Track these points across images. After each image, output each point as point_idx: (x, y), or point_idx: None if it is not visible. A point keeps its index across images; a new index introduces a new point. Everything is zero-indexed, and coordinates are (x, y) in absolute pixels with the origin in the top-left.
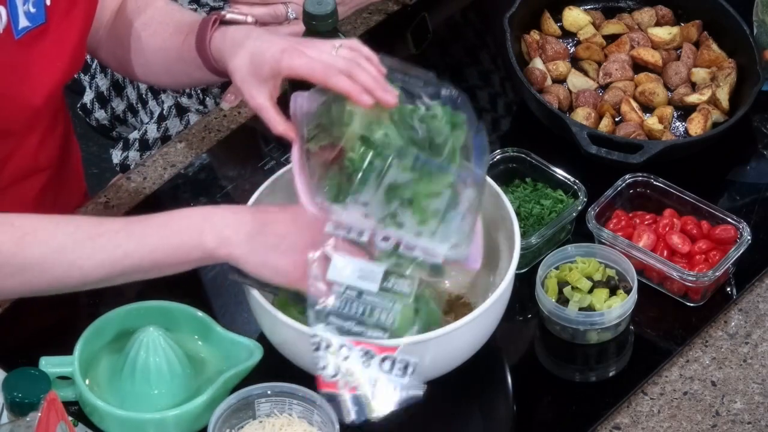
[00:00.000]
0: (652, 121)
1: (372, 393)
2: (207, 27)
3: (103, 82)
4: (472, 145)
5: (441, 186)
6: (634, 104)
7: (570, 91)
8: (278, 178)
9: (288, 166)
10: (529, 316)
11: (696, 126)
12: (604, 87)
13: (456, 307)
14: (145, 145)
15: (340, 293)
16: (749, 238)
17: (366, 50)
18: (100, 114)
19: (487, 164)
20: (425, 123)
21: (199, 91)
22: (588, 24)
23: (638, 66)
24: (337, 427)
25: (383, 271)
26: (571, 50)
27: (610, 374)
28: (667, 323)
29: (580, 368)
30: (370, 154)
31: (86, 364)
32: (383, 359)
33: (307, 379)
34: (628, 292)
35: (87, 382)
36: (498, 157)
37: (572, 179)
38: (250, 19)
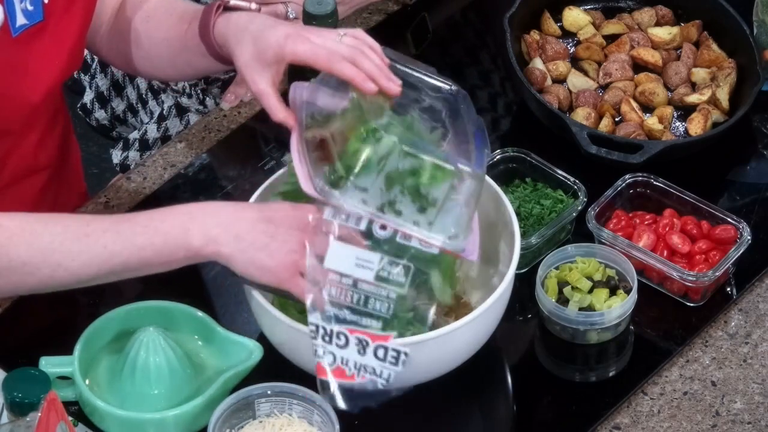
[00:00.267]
0: (652, 121)
1: (365, 382)
2: (211, 13)
3: (103, 82)
4: (473, 140)
5: (441, 175)
6: (634, 104)
7: (570, 91)
8: (278, 178)
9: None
10: (529, 316)
11: (696, 126)
12: (604, 87)
13: (456, 307)
14: (145, 145)
15: (336, 281)
16: (749, 238)
17: (370, 40)
18: (100, 114)
19: (487, 158)
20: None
21: (199, 91)
22: (588, 24)
23: (638, 66)
24: (337, 427)
25: (379, 260)
26: (571, 50)
27: (610, 374)
28: (667, 323)
29: (580, 368)
30: (372, 139)
31: (86, 364)
32: (377, 348)
33: (307, 379)
34: (628, 292)
35: (87, 382)
36: (498, 157)
37: (572, 179)
38: (254, 5)
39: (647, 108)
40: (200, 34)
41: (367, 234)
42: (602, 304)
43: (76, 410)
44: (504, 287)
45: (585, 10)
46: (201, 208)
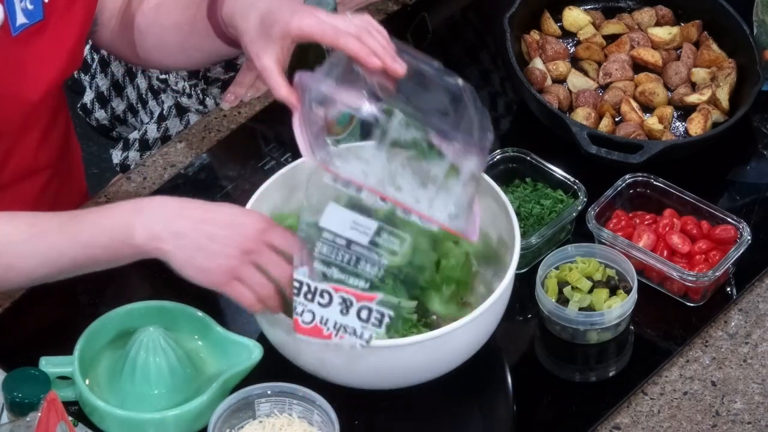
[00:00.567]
0: (652, 121)
1: (343, 342)
2: None
3: (103, 82)
4: (476, 122)
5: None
6: (634, 104)
7: (570, 91)
8: (278, 178)
9: (288, 166)
10: (529, 316)
11: (696, 126)
12: (604, 87)
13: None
14: (145, 145)
15: (330, 240)
16: (749, 238)
17: (377, 24)
18: (100, 114)
19: (490, 142)
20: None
21: (199, 91)
22: (588, 24)
23: (638, 66)
24: (337, 427)
25: (376, 227)
26: (571, 50)
27: (610, 374)
28: (667, 323)
29: (580, 368)
30: (376, 107)
31: (86, 364)
32: (360, 308)
33: (307, 379)
34: (628, 292)
35: (87, 382)
36: (498, 157)
37: (572, 179)
38: None
39: (647, 108)
40: (208, 14)
41: (365, 209)
42: (602, 304)
43: (76, 410)
44: (504, 287)
45: (585, 10)
46: (147, 204)
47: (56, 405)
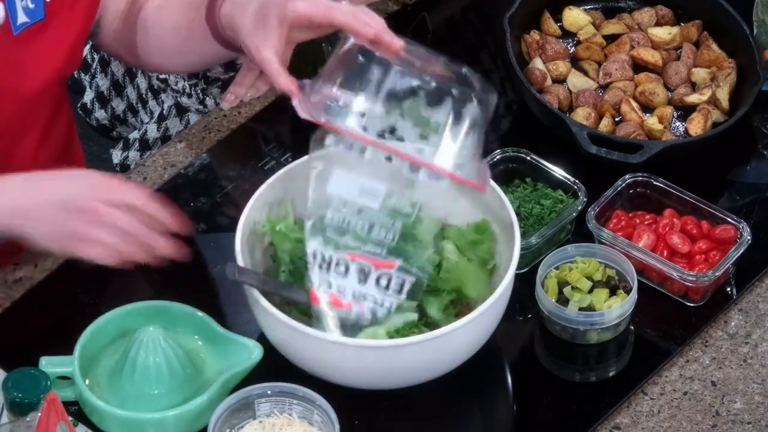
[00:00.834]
0: (652, 121)
1: (363, 310)
2: None
3: (103, 82)
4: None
5: (442, 96)
6: (634, 104)
7: (570, 91)
8: (278, 178)
9: (288, 166)
10: (529, 316)
11: (696, 126)
12: (604, 87)
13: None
14: (145, 145)
15: (340, 207)
16: (749, 238)
17: (375, 14)
18: (100, 114)
19: (493, 103)
20: None
21: (199, 91)
22: (588, 24)
23: (638, 66)
24: (337, 427)
25: (385, 191)
26: (571, 50)
27: (610, 374)
28: (667, 323)
29: (580, 368)
30: (373, 60)
31: (86, 364)
32: (379, 276)
33: (307, 379)
34: (628, 292)
35: (87, 382)
36: (498, 157)
37: (572, 179)
38: None
39: (647, 108)
40: (206, 17)
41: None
42: (602, 304)
43: (76, 410)
44: (504, 287)
45: (585, 10)
46: None
47: (56, 405)
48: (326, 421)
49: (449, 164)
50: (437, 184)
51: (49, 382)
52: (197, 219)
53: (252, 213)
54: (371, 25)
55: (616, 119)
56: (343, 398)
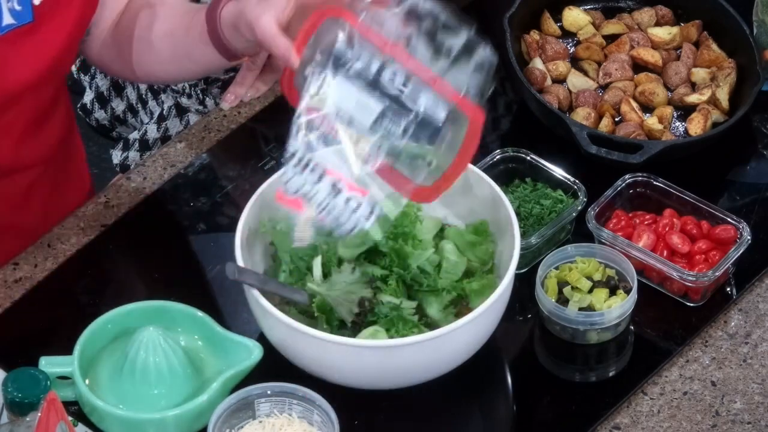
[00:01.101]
0: (652, 121)
1: (327, 219)
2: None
3: (103, 83)
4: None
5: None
6: (634, 104)
7: (570, 91)
8: (278, 178)
9: None
10: (529, 316)
11: (696, 126)
12: (604, 87)
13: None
14: (145, 145)
15: (333, 115)
16: (749, 238)
17: None
18: (100, 114)
19: (493, 65)
20: None
21: (199, 91)
22: (588, 24)
23: (638, 66)
24: (337, 427)
25: (380, 110)
26: (571, 50)
27: (610, 374)
28: (667, 323)
29: (580, 368)
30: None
31: (86, 364)
32: (350, 197)
33: (307, 379)
34: (628, 292)
35: (87, 382)
36: (498, 157)
37: (572, 179)
38: None
39: (647, 108)
40: (207, 16)
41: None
42: (602, 304)
43: (76, 410)
44: (504, 287)
45: (585, 10)
46: None
47: (56, 405)
48: (326, 421)
49: (460, 90)
50: (433, 115)
51: (48, 382)
52: (197, 219)
53: (252, 213)
54: None
55: (616, 119)
56: (343, 398)
